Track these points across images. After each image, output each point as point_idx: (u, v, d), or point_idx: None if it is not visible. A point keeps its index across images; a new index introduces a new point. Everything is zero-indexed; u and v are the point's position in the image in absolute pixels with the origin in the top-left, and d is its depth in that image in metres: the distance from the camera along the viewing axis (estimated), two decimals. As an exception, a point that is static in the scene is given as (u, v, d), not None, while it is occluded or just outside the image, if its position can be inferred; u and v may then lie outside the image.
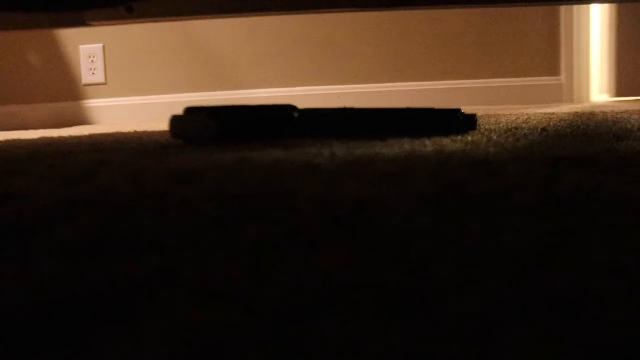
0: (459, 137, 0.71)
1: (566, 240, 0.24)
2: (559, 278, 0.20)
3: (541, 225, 0.27)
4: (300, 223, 0.29)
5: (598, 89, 2.74)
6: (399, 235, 0.26)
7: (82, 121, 2.44)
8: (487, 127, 0.89)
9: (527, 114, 1.36)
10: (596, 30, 2.68)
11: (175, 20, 1.24)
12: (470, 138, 0.69)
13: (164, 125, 1.52)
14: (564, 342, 0.15)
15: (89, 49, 2.48)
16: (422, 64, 2.45)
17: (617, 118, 1.03)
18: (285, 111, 0.84)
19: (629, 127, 0.80)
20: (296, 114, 0.82)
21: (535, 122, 1.00)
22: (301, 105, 2.37)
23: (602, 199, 0.32)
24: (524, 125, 0.90)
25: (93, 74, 2.48)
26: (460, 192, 0.35)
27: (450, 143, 0.63)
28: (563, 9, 2.61)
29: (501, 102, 2.54)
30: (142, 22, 1.25)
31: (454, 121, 0.79)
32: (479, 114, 0.95)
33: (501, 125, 0.92)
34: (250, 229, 0.28)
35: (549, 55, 2.65)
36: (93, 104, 2.47)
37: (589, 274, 0.20)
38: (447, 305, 0.18)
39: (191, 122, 0.82)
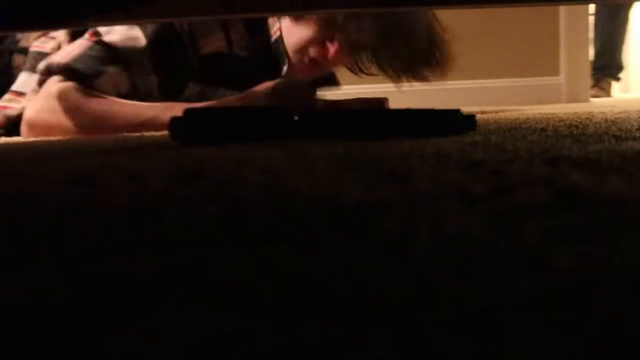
0: (458, 138, 0.71)
1: (566, 239, 0.25)
2: (559, 277, 0.20)
3: (541, 224, 0.27)
4: (300, 223, 0.29)
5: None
6: (399, 235, 0.26)
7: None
8: (486, 127, 0.89)
9: (527, 114, 1.36)
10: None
11: (174, 21, 1.24)
12: (469, 138, 0.69)
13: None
14: (564, 340, 0.15)
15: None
16: (421, 64, 2.44)
17: (616, 118, 1.03)
18: (285, 112, 0.84)
19: (629, 127, 0.80)
20: (296, 115, 0.82)
21: (534, 122, 1.00)
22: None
23: (602, 199, 0.32)
24: (523, 126, 0.90)
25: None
26: (459, 192, 0.35)
27: (449, 143, 0.64)
28: (563, 9, 2.61)
29: (501, 102, 2.54)
30: (141, 23, 1.25)
31: (454, 121, 0.79)
32: (478, 114, 0.95)
33: (500, 126, 0.92)
34: (249, 229, 0.28)
35: (549, 55, 2.65)
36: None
37: (589, 273, 0.20)
38: (448, 305, 0.18)
39: (191, 123, 0.82)
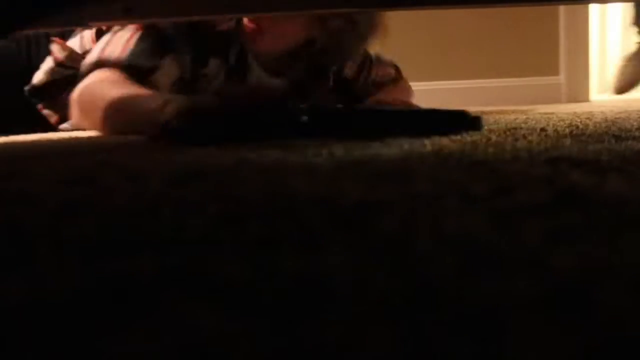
0: (459, 138, 0.71)
1: (566, 239, 0.25)
2: (559, 277, 0.20)
3: (541, 224, 0.27)
4: (300, 223, 0.29)
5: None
6: (399, 235, 0.26)
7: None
8: (486, 127, 0.89)
9: (526, 114, 1.36)
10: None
11: (174, 20, 1.24)
12: (469, 138, 0.69)
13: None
14: (564, 340, 0.15)
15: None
16: (421, 63, 2.45)
17: (616, 118, 1.03)
18: (287, 111, 0.84)
19: (628, 126, 0.80)
20: (301, 115, 0.82)
21: (534, 122, 1.00)
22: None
23: (602, 199, 0.32)
24: (523, 125, 0.90)
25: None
26: (459, 192, 0.35)
27: (449, 143, 0.63)
28: (562, 8, 2.61)
29: (500, 102, 2.53)
30: (141, 22, 1.25)
31: (461, 122, 0.79)
32: (476, 114, 0.95)
33: (500, 126, 0.92)
34: (249, 229, 0.28)
35: (549, 55, 2.65)
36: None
37: (589, 273, 0.20)
38: (448, 304, 0.18)
39: (192, 122, 0.81)
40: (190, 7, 0.89)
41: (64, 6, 0.77)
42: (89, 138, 1.07)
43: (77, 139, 1.08)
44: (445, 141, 0.66)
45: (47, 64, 1.38)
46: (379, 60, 1.54)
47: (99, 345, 0.16)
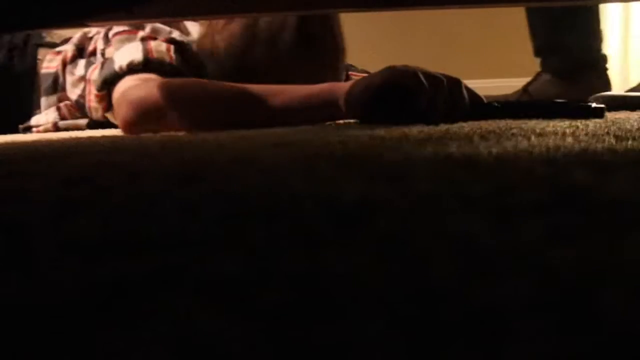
0: (458, 137, 0.71)
1: (566, 240, 0.25)
2: (559, 278, 0.20)
3: (541, 224, 0.27)
4: (300, 223, 0.29)
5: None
6: (400, 235, 0.26)
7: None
8: (485, 127, 0.89)
9: (527, 114, 1.36)
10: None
11: (174, 21, 1.24)
12: (469, 138, 0.69)
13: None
14: (564, 340, 0.15)
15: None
16: (421, 64, 2.44)
17: (616, 118, 1.03)
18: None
19: (628, 127, 0.80)
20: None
21: (534, 122, 1.00)
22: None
23: (602, 199, 0.32)
24: (523, 126, 0.90)
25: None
26: (459, 192, 0.35)
27: (449, 143, 0.64)
28: (562, 9, 2.61)
29: (500, 102, 2.53)
30: (142, 23, 1.25)
31: (588, 111, 0.97)
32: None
33: (500, 126, 0.92)
34: (249, 229, 0.28)
35: (549, 55, 2.64)
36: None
37: (589, 274, 0.20)
38: (449, 305, 0.18)
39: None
40: (190, 7, 0.89)
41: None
42: (89, 138, 1.07)
43: (77, 139, 1.08)
44: (444, 141, 0.66)
45: (51, 115, 1.42)
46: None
47: (98, 346, 0.16)
